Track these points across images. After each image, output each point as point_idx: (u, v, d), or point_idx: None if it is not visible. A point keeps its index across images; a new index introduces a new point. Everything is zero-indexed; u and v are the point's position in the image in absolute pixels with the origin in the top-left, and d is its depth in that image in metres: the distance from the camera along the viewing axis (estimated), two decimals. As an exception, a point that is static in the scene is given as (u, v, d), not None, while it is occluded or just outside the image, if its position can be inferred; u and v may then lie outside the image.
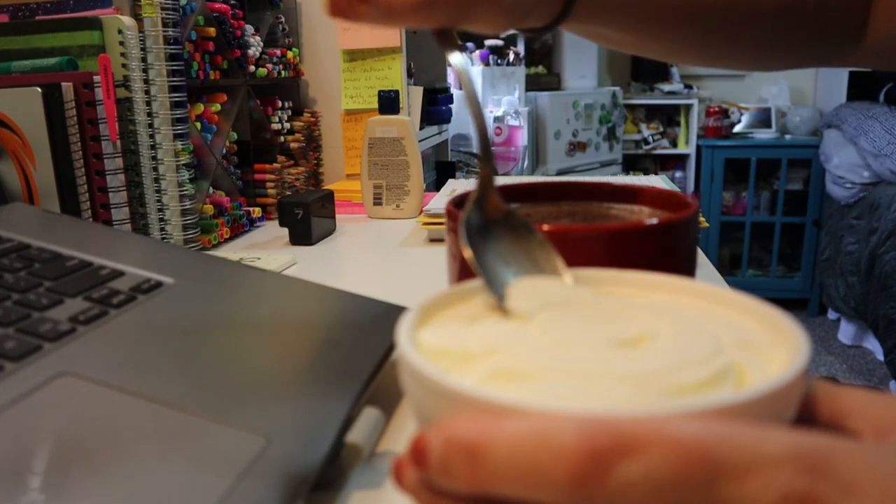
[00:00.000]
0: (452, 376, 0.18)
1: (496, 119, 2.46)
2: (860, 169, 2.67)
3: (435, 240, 0.80)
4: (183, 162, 0.73)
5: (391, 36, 1.13)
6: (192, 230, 0.74)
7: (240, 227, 0.87)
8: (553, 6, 0.41)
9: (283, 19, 1.09)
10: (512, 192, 0.39)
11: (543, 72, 3.09)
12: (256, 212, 0.91)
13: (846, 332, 2.85)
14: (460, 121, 2.20)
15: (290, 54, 1.07)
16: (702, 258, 0.69)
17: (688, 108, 3.29)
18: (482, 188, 0.28)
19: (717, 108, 3.23)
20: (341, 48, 1.15)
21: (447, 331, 0.23)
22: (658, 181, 0.95)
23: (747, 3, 0.46)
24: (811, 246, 3.15)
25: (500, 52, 2.57)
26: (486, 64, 2.53)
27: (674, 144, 3.38)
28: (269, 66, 1.01)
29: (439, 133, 1.51)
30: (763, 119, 3.29)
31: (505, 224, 0.27)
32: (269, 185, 0.96)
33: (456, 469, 0.17)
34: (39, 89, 0.62)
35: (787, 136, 3.22)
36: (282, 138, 1.03)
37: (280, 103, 1.03)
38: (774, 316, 0.22)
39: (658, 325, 0.22)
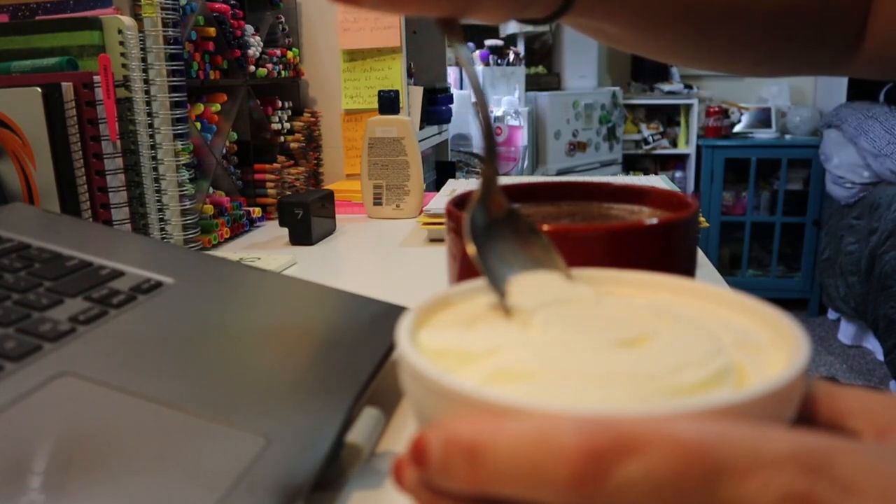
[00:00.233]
0: (452, 376, 0.18)
1: (496, 119, 2.46)
2: (860, 169, 2.67)
3: (435, 240, 0.80)
4: (183, 162, 0.73)
5: (391, 36, 1.13)
6: (192, 230, 0.74)
7: (240, 227, 0.87)
8: None
9: (283, 19, 1.09)
10: (512, 192, 0.39)
11: (543, 72, 3.09)
12: (256, 212, 0.91)
13: (846, 332, 2.85)
14: (460, 121, 2.21)
15: (290, 54, 1.07)
16: (702, 258, 0.69)
17: (688, 108, 3.29)
18: (486, 185, 0.28)
19: (717, 108, 3.23)
20: (341, 48, 1.15)
21: (447, 331, 0.23)
22: (658, 181, 0.95)
23: (748, 1, 0.46)
24: (811, 246, 3.15)
25: (500, 52, 2.57)
26: (486, 64, 2.53)
27: (674, 144, 3.38)
28: (269, 66, 1.01)
29: (439, 133, 1.51)
30: (763, 119, 3.29)
31: (507, 223, 0.27)
32: (269, 185, 0.96)
33: (456, 469, 0.17)
34: (39, 89, 0.62)
35: (787, 136, 3.23)
36: (282, 138, 1.03)
37: (280, 103, 1.03)
38: (774, 316, 0.22)
39: (658, 325, 0.22)
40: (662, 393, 0.18)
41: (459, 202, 0.36)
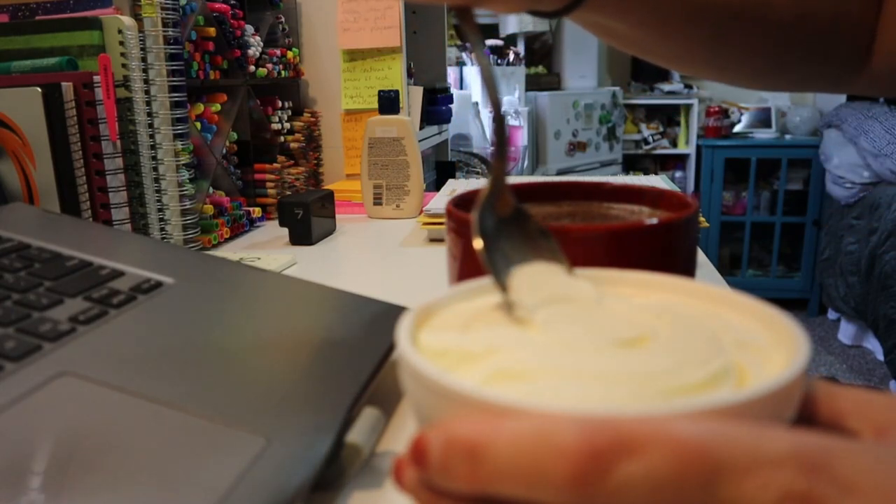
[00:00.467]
0: (452, 376, 0.18)
1: (496, 119, 2.46)
2: (860, 169, 2.67)
3: (435, 240, 0.80)
4: (183, 162, 0.73)
5: (391, 36, 1.13)
6: (192, 230, 0.74)
7: (240, 227, 0.87)
8: None
9: (283, 19, 1.09)
10: (513, 192, 0.39)
11: (543, 72, 3.09)
12: (256, 212, 0.91)
13: (846, 332, 2.85)
14: (460, 121, 2.20)
15: (290, 54, 1.07)
16: (702, 258, 0.69)
17: (688, 107, 3.29)
18: (496, 182, 0.27)
19: (717, 108, 3.23)
20: (341, 48, 1.15)
21: (447, 331, 0.23)
22: (658, 181, 0.95)
23: (761, 7, 0.46)
24: (811, 246, 3.15)
25: (500, 52, 2.57)
26: (486, 64, 2.53)
27: (674, 144, 3.38)
28: (269, 66, 1.01)
29: (439, 133, 1.52)
30: (763, 119, 3.29)
31: (515, 221, 0.27)
32: (269, 185, 0.96)
33: (456, 469, 0.17)
34: (39, 89, 0.62)
35: (787, 136, 3.23)
36: (282, 138, 1.03)
37: (280, 103, 1.03)
38: (774, 316, 0.22)
39: (658, 325, 0.22)
40: (662, 393, 0.18)
41: (459, 202, 0.36)
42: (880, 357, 2.53)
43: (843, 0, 0.46)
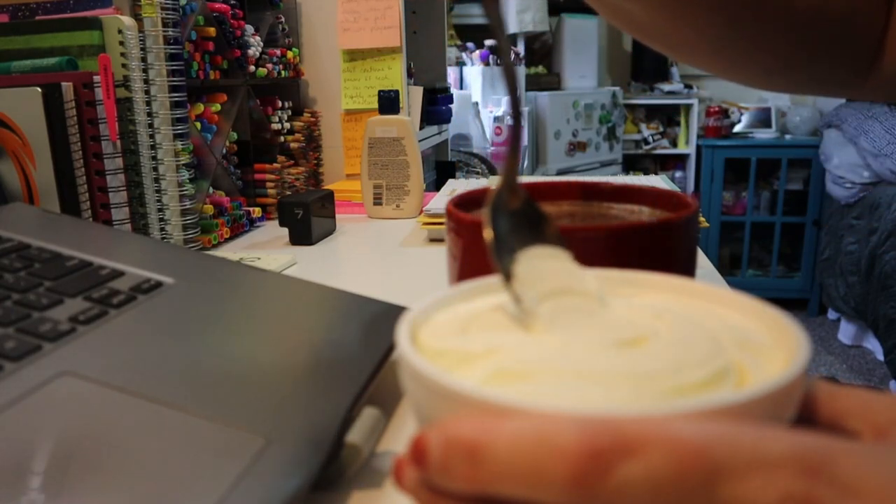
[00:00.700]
0: (452, 376, 0.18)
1: (496, 119, 2.46)
2: (860, 169, 2.67)
3: (435, 240, 0.80)
4: (183, 162, 0.73)
5: (391, 36, 1.13)
6: (192, 230, 0.74)
7: (240, 227, 0.87)
8: None
9: (283, 19, 1.09)
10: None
11: (543, 72, 3.09)
12: (256, 212, 0.91)
13: (846, 332, 2.85)
14: (460, 121, 2.20)
15: (290, 54, 1.07)
16: (702, 258, 0.69)
17: (688, 108, 3.29)
18: (510, 173, 0.26)
19: (717, 108, 3.23)
20: (341, 48, 1.15)
21: (447, 331, 0.23)
22: (658, 181, 0.95)
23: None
24: (811, 246, 3.15)
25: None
26: (486, 64, 2.53)
27: (674, 144, 3.38)
28: (269, 66, 1.01)
29: (439, 133, 1.52)
30: (763, 119, 3.29)
31: (522, 213, 0.26)
32: (269, 185, 0.96)
33: (456, 469, 0.17)
34: (39, 89, 0.62)
35: (787, 136, 3.23)
36: (282, 138, 1.03)
37: (280, 103, 1.03)
38: (774, 316, 0.22)
39: (658, 325, 0.22)
40: (662, 393, 0.18)
41: (459, 202, 0.36)
42: (880, 357, 2.53)
43: None
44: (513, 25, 2.75)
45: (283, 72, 1.05)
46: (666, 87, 3.32)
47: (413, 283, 0.66)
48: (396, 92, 0.91)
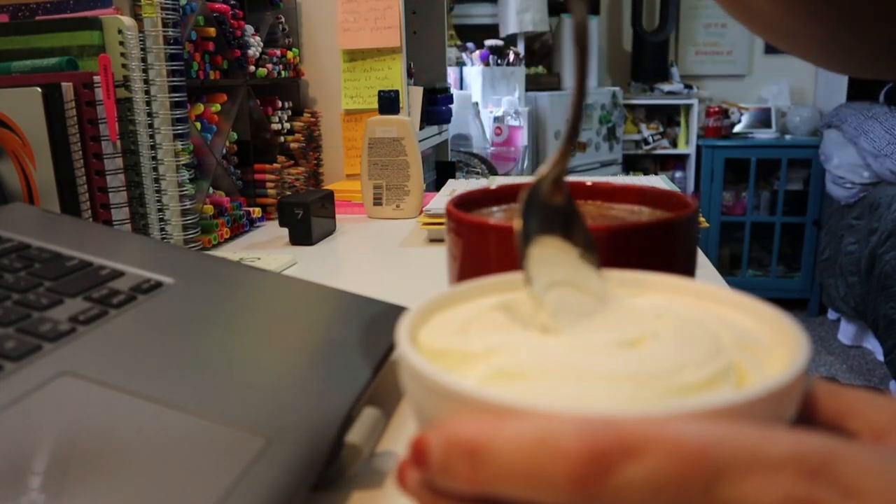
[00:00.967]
0: (452, 376, 0.18)
1: (496, 119, 2.46)
2: (860, 169, 2.67)
3: (435, 240, 0.80)
4: (183, 162, 0.73)
5: (391, 36, 1.13)
6: (192, 230, 0.74)
7: (240, 227, 0.87)
8: None
9: (283, 19, 1.09)
10: (513, 192, 0.39)
11: (543, 72, 3.09)
12: (256, 212, 0.91)
13: (846, 332, 2.85)
14: (460, 121, 2.21)
15: (290, 54, 1.07)
16: (702, 258, 0.69)
17: (688, 108, 3.29)
18: (559, 166, 0.25)
19: (717, 108, 3.23)
20: (341, 48, 1.15)
21: (447, 331, 0.23)
22: (658, 181, 0.95)
23: None
24: (811, 246, 3.15)
25: (500, 53, 2.57)
26: (487, 64, 2.53)
27: (674, 144, 3.38)
28: (269, 66, 1.01)
29: (439, 133, 1.52)
30: (763, 119, 3.29)
31: (558, 209, 0.25)
32: (269, 185, 0.96)
33: (456, 469, 0.17)
34: (39, 89, 0.62)
35: (787, 136, 3.23)
36: (282, 138, 1.03)
37: (280, 103, 1.03)
38: (774, 316, 0.22)
39: (658, 325, 0.22)
40: (663, 393, 0.18)
41: (460, 202, 0.36)
42: (880, 357, 2.53)
43: None
44: (513, 26, 2.74)
45: (283, 72, 1.05)
46: (666, 87, 3.32)
47: (413, 283, 0.66)
48: (396, 92, 0.91)
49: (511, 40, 2.79)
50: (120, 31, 0.69)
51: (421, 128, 1.32)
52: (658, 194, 0.37)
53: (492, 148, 2.38)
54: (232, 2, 0.92)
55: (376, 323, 0.41)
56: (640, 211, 0.38)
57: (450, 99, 1.51)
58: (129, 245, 0.47)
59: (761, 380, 0.19)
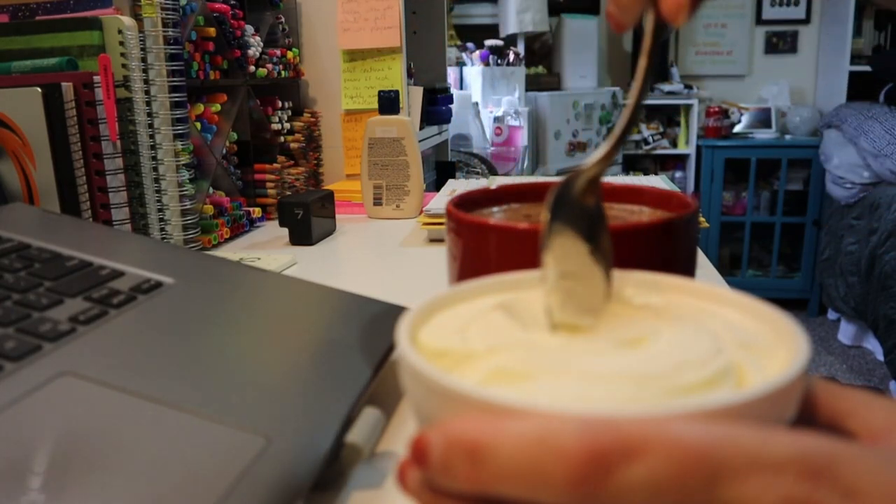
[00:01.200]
0: (452, 376, 0.18)
1: (496, 119, 2.46)
2: (860, 169, 2.67)
3: (435, 240, 0.80)
4: (183, 162, 0.73)
5: (391, 36, 1.13)
6: (192, 230, 0.74)
7: (240, 227, 0.87)
8: None
9: (283, 19, 1.09)
10: (513, 192, 0.39)
11: (543, 72, 3.09)
12: (256, 212, 0.91)
13: (846, 332, 2.85)
14: (460, 121, 2.20)
15: (290, 54, 1.07)
16: (702, 258, 0.69)
17: (688, 108, 3.29)
18: (601, 165, 0.25)
19: (717, 109, 3.23)
20: (341, 48, 1.15)
21: (447, 331, 0.23)
22: (658, 181, 0.95)
23: None
24: (811, 246, 3.15)
25: (500, 53, 2.57)
26: (487, 64, 2.53)
27: (674, 144, 3.38)
28: (269, 66, 1.01)
29: (439, 133, 1.52)
30: (763, 119, 3.29)
31: (585, 209, 0.25)
32: (269, 185, 0.96)
33: (457, 469, 0.17)
34: (39, 89, 0.62)
35: (787, 136, 3.23)
36: (282, 138, 1.03)
37: (280, 103, 1.03)
38: (774, 316, 0.22)
39: (658, 325, 0.22)
40: (663, 393, 0.18)
41: (460, 202, 0.36)
42: (880, 357, 2.53)
43: None
44: (513, 26, 2.74)
45: (283, 72, 1.05)
46: (666, 87, 3.32)
47: (413, 283, 0.66)
48: (396, 92, 0.91)
49: (511, 40, 2.79)
50: (120, 31, 0.69)
51: (421, 128, 1.32)
52: (658, 194, 0.37)
53: (492, 148, 2.38)
54: (232, 2, 0.92)
55: (376, 323, 0.41)
56: (640, 211, 0.38)
57: (450, 99, 1.51)
58: (129, 245, 0.47)
59: (761, 380, 0.19)
